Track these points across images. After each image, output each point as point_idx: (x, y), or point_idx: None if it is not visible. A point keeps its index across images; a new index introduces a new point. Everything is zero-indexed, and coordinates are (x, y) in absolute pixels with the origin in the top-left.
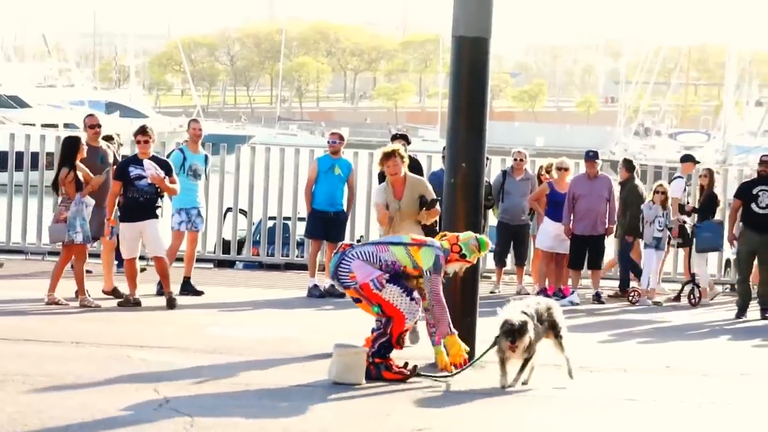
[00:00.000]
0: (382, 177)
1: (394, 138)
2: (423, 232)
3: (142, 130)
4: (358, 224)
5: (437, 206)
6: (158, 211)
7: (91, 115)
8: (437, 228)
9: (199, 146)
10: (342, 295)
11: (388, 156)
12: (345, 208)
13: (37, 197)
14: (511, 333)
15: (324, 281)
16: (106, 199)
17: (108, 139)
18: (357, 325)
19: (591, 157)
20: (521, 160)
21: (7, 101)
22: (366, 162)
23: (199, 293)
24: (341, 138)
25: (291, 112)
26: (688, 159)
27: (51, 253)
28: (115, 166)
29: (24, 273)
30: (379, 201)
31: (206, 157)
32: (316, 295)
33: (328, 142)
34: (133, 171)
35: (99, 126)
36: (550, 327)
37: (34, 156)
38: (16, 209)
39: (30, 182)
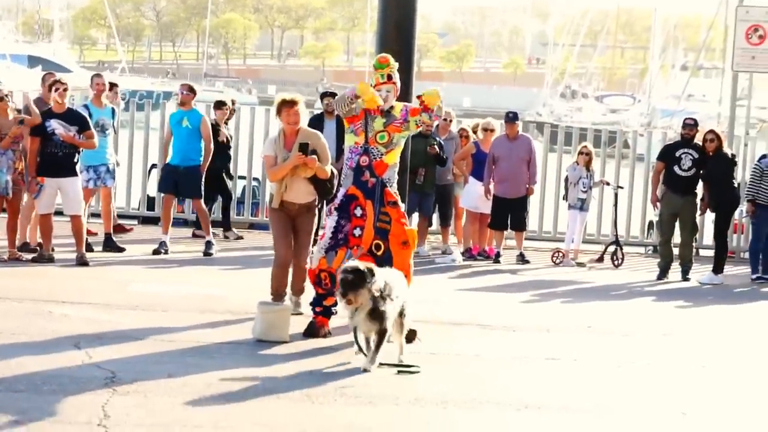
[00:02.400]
0: None
1: (324, 96)
2: (315, 191)
3: (56, 80)
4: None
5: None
6: (78, 167)
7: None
8: (332, 187)
9: (104, 100)
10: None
11: (289, 104)
12: (201, 162)
13: None
14: (344, 283)
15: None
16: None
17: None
18: None
19: (511, 118)
20: (450, 120)
21: None
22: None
23: (121, 249)
24: (190, 89)
25: (217, 69)
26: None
27: None
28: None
29: None
30: (268, 153)
31: (113, 110)
32: (162, 252)
33: (179, 93)
34: (49, 126)
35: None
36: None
37: None
38: None
39: None
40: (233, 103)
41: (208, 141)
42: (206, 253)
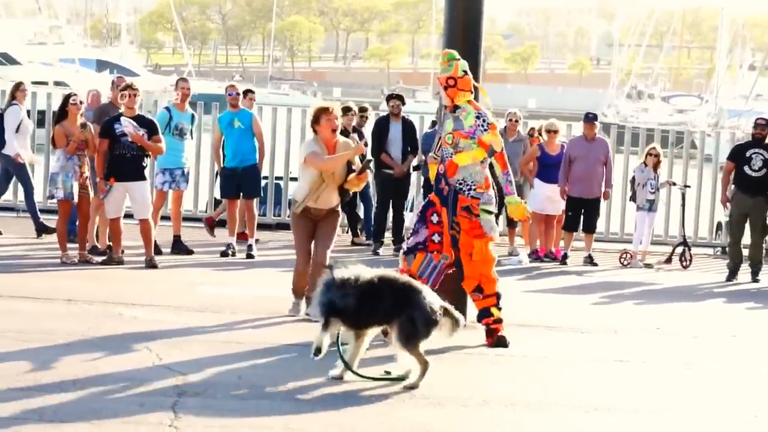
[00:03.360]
0: None
1: (390, 98)
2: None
3: (127, 85)
4: None
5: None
6: (146, 171)
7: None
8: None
9: (186, 105)
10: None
11: (327, 110)
12: (257, 160)
13: None
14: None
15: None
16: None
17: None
18: None
19: (590, 119)
20: (516, 120)
21: None
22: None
23: (190, 252)
24: (239, 91)
25: (283, 71)
26: None
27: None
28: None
29: (14, 231)
30: (313, 150)
31: (192, 116)
32: (229, 254)
33: (228, 94)
34: (119, 128)
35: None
36: (392, 313)
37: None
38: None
39: None
40: (365, 110)
41: (262, 139)
42: (249, 255)
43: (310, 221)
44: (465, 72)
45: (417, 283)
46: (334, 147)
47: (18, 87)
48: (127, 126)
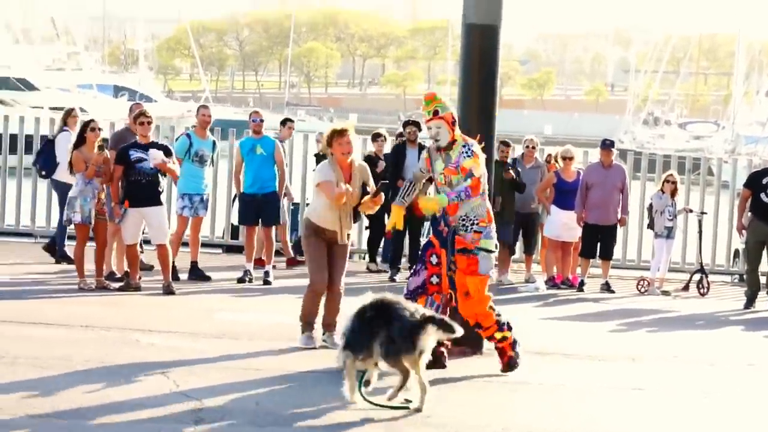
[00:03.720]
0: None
1: (407, 124)
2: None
3: (141, 113)
4: None
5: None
6: (162, 197)
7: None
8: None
9: (207, 132)
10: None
11: (341, 133)
12: (277, 188)
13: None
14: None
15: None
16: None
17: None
18: None
19: (607, 146)
20: (533, 147)
21: (15, 84)
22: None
23: (207, 278)
24: (263, 117)
25: (299, 97)
26: None
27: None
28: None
29: (32, 256)
30: (328, 178)
31: (214, 143)
32: (246, 280)
33: (252, 121)
34: (134, 154)
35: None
36: (373, 332)
37: (43, 139)
38: (25, 192)
39: None
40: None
41: (282, 167)
42: (266, 281)
43: (323, 242)
44: None
45: (392, 296)
46: (349, 168)
47: (69, 113)
48: (156, 159)
